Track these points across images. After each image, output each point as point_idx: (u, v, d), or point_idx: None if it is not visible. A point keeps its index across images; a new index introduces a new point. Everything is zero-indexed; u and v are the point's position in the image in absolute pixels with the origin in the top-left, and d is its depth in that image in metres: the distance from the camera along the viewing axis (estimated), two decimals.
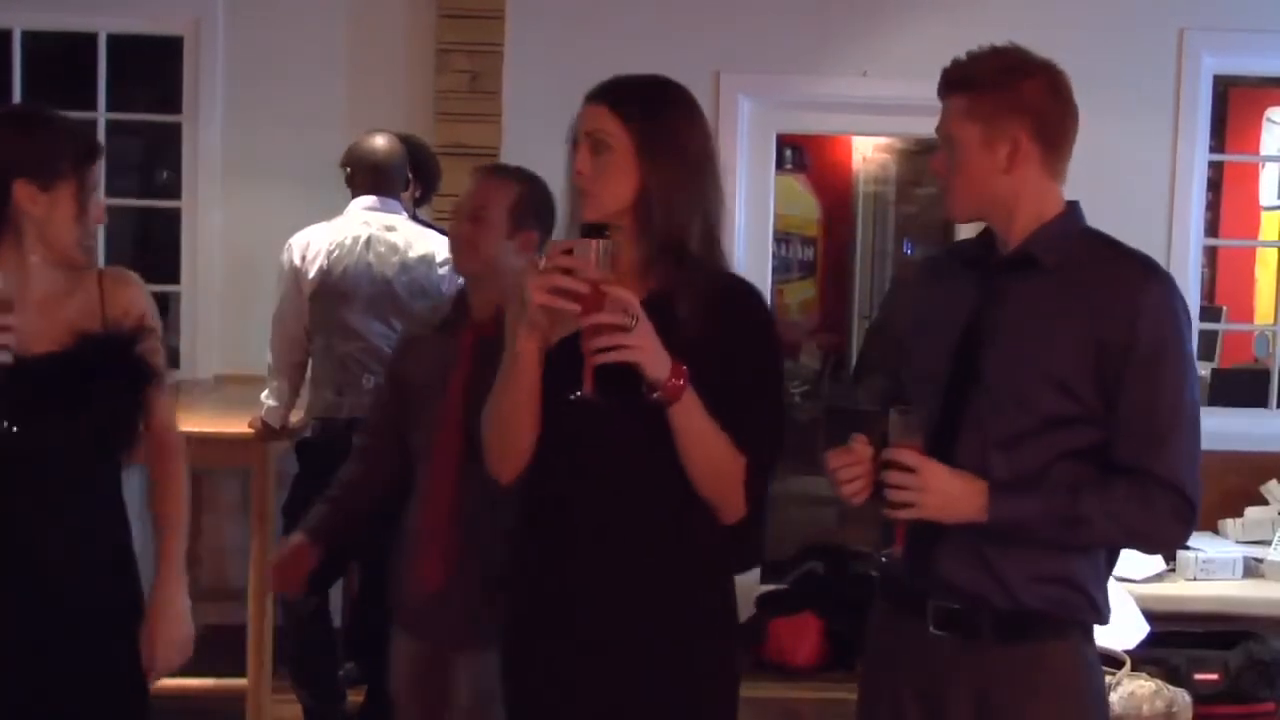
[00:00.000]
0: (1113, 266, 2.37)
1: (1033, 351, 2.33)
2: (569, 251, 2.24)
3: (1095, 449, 2.33)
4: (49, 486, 2.59)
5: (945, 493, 2.30)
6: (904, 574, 2.42)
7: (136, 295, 2.72)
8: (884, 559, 2.35)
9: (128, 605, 2.71)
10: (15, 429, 2.48)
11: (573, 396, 2.27)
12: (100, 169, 2.65)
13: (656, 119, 2.41)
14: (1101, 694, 2.48)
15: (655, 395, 2.27)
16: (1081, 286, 2.34)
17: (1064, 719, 2.38)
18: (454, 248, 3.26)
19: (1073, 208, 2.43)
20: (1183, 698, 4.04)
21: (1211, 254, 6.19)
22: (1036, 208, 2.39)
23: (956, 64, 2.41)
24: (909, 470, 2.28)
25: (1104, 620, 2.43)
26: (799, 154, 7.70)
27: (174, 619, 2.71)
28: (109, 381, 2.62)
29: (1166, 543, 2.42)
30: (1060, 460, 2.33)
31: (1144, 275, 2.35)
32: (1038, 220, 2.39)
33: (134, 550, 2.76)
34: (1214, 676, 4.52)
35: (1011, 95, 2.34)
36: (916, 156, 7.94)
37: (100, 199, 2.66)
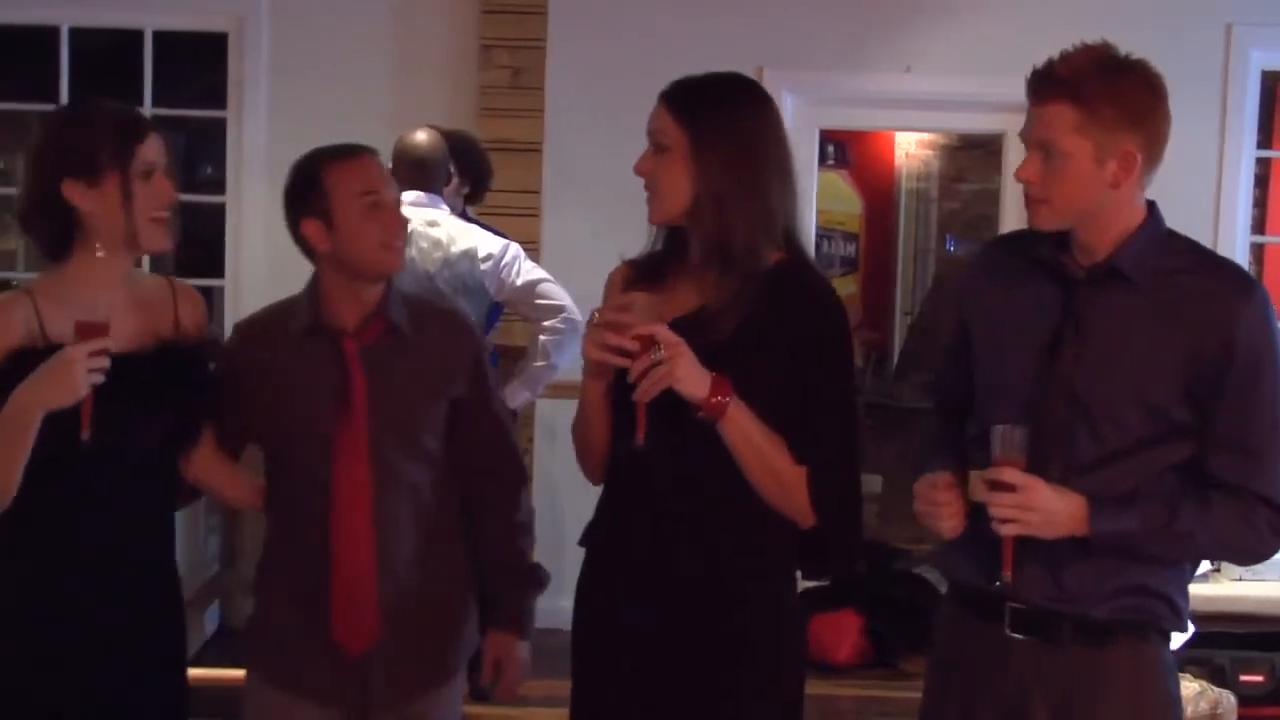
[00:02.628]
0: (1204, 279, 2.32)
1: (1124, 371, 2.30)
2: (621, 306, 2.35)
3: (1188, 462, 2.32)
4: (108, 490, 2.58)
5: (1049, 510, 2.27)
6: (979, 579, 2.39)
7: (201, 310, 2.76)
8: (996, 585, 2.32)
9: (174, 607, 2.75)
10: (91, 439, 2.47)
11: (629, 448, 2.35)
12: (155, 150, 2.59)
13: (710, 118, 2.39)
14: (1178, 700, 2.45)
15: (700, 415, 2.32)
16: (1172, 301, 2.30)
17: None
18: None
19: (1154, 212, 2.37)
20: (1228, 699, 4.09)
21: (1258, 251, 6.14)
22: (1128, 218, 2.34)
23: (1053, 66, 2.31)
24: (1012, 489, 2.26)
25: (1184, 627, 2.41)
26: (842, 150, 7.69)
27: None
28: (180, 388, 2.64)
29: (1262, 556, 2.41)
30: (1155, 475, 2.31)
31: (1238, 288, 2.32)
32: (1126, 230, 2.34)
33: (175, 553, 2.80)
34: (1260, 678, 4.52)
35: (1126, 110, 2.27)
36: (958, 152, 7.91)
37: (163, 177, 2.60)
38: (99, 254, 2.57)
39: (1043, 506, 2.27)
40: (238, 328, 2.83)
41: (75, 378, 2.40)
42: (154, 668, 2.67)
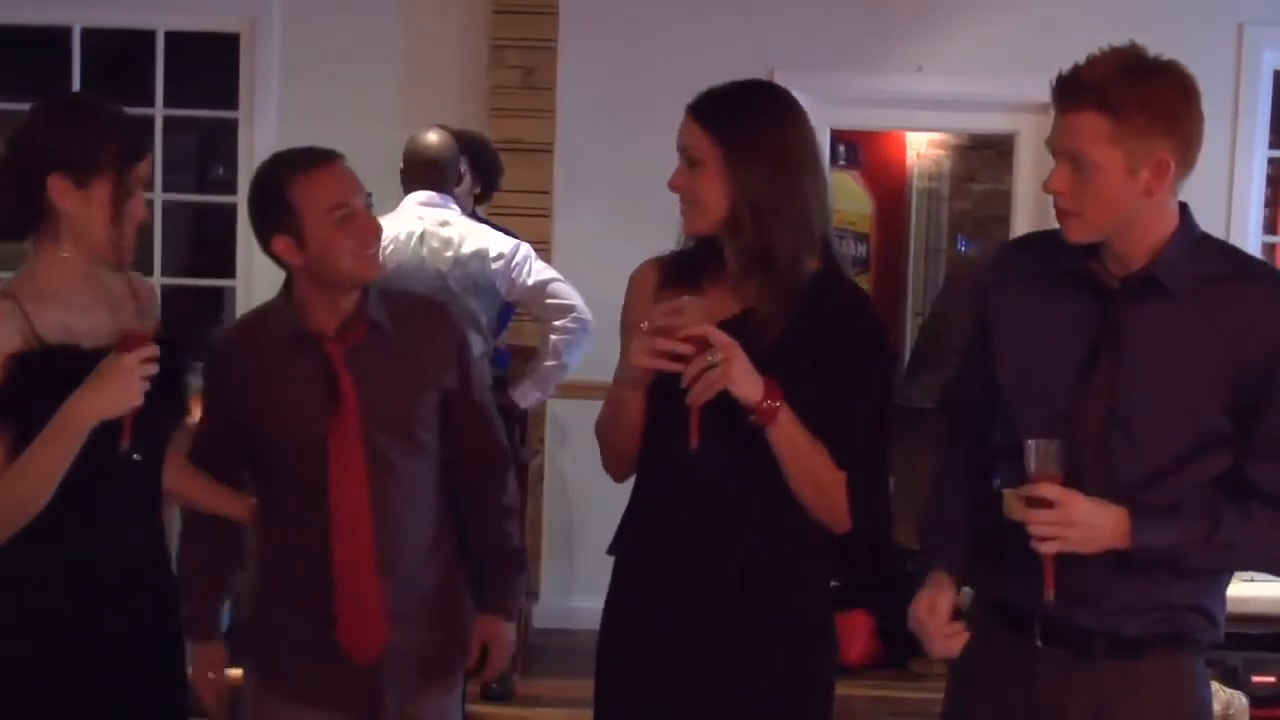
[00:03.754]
0: (1242, 285, 2.27)
1: (1166, 384, 2.25)
2: (674, 310, 2.32)
3: (1228, 472, 2.27)
4: (124, 496, 2.56)
5: (1089, 524, 2.21)
6: (1018, 598, 2.35)
7: (156, 305, 2.71)
8: (1044, 603, 2.26)
9: (171, 611, 2.72)
10: (139, 457, 2.47)
11: (681, 452, 2.32)
12: (148, 169, 2.57)
13: (739, 129, 2.38)
14: (1209, 706, 2.41)
15: (751, 418, 2.31)
16: (1212, 311, 2.24)
17: None
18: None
19: (1186, 216, 2.30)
20: (1239, 700, 4.06)
21: (1270, 251, 6.14)
22: (1162, 225, 2.27)
23: (1081, 73, 2.22)
24: (1051, 505, 2.20)
25: (1220, 637, 2.37)
26: (853, 150, 7.67)
27: None
28: (161, 385, 2.55)
29: None
30: (1196, 488, 2.26)
31: (1276, 292, 2.27)
32: (1160, 238, 2.26)
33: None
34: (1271, 679, 4.49)
35: (1158, 115, 2.18)
36: (970, 153, 7.90)
37: (141, 197, 2.57)
38: (63, 254, 2.50)
39: (1083, 521, 2.21)
40: (216, 345, 2.79)
41: (133, 386, 2.39)
42: (154, 672, 2.65)
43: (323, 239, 2.58)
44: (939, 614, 2.39)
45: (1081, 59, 2.23)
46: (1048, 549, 2.21)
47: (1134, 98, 2.17)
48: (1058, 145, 2.25)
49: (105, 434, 2.41)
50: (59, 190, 2.46)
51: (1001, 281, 2.46)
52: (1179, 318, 2.25)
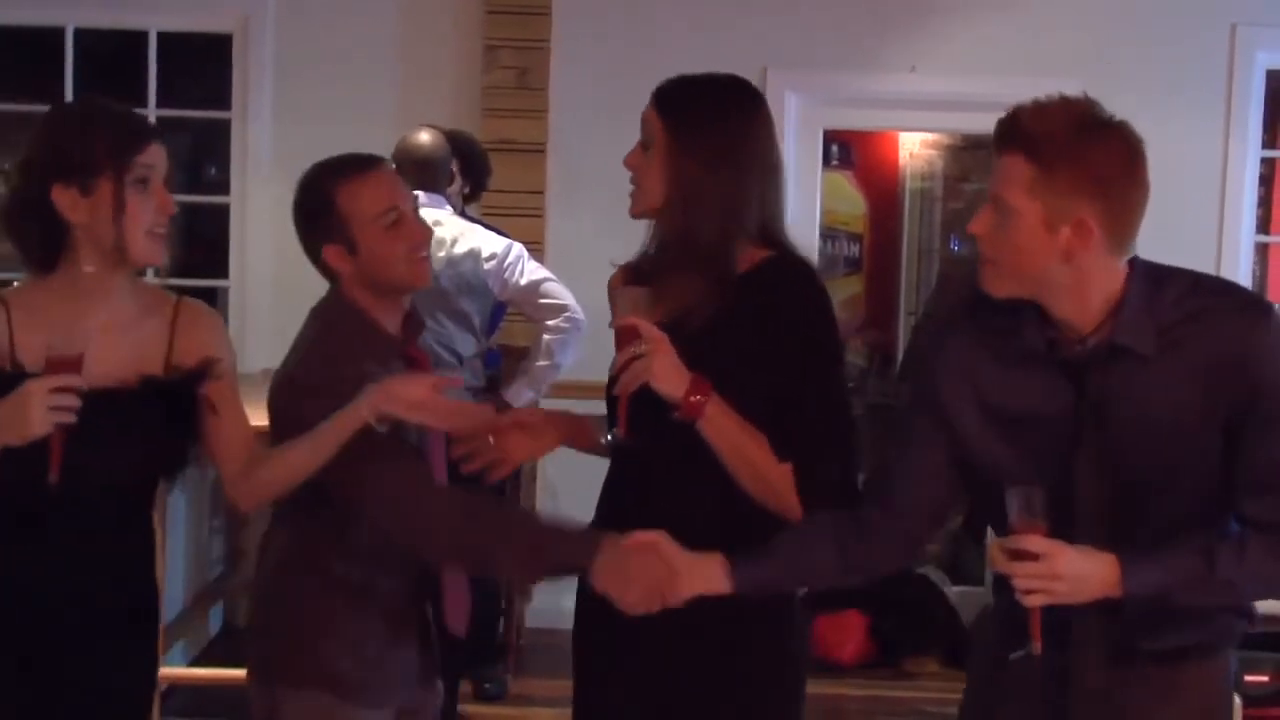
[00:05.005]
0: (1213, 321, 2.16)
1: (1161, 448, 2.17)
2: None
3: (1218, 508, 2.23)
4: (77, 527, 2.43)
5: (1076, 575, 2.14)
6: (1004, 650, 2.27)
7: (208, 338, 2.56)
8: (1019, 655, 2.20)
9: (144, 647, 2.62)
10: (60, 483, 2.28)
11: (605, 439, 2.39)
12: (154, 158, 2.43)
13: (690, 117, 2.41)
14: (1231, 704, 2.39)
15: (677, 414, 2.32)
16: (1189, 360, 2.15)
17: None
18: None
19: (1135, 270, 2.19)
20: (1234, 699, 4.02)
21: (1263, 250, 6.16)
22: (1106, 287, 2.16)
23: (1020, 115, 2.13)
24: (1035, 557, 2.13)
25: (1252, 623, 2.31)
26: (846, 151, 7.68)
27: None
28: (160, 422, 2.48)
29: None
30: (1190, 528, 2.20)
31: (1249, 318, 2.17)
32: (1109, 300, 2.17)
33: (156, 589, 2.64)
34: (1265, 678, 4.50)
35: (1082, 171, 2.08)
36: (963, 153, 7.91)
37: (159, 187, 2.43)
38: (87, 269, 2.41)
39: (1069, 574, 2.13)
40: (325, 383, 2.51)
41: (31, 415, 2.24)
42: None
43: (374, 245, 2.54)
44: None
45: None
46: (1033, 602, 2.15)
47: (1065, 153, 2.08)
48: (989, 187, 2.18)
49: (36, 465, 2.26)
50: (65, 203, 2.37)
51: (955, 359, 2.31)
52: (1156, 375, 2.16)
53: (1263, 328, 2.15)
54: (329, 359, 2.55)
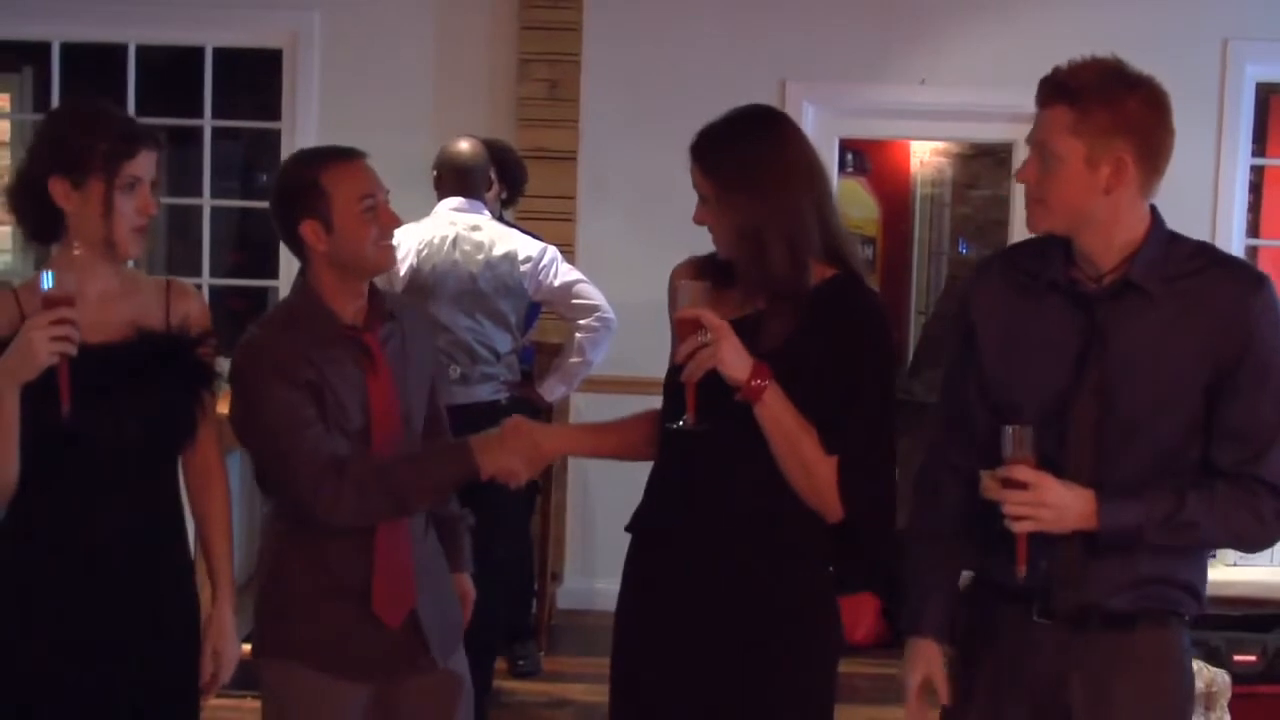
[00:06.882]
0: (1216, 280, 2.32)
1: (1153, 384, 2.31)
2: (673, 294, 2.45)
3: (1199, 457, 2.34)
4: (101, 479, 2.55)
5: (1060, 505, 2.28)
6: (1007, 576, 2.38)
7: (199, 308, 2.72)
8: (1017, 578, 2.33)
9: (185, 610, 2.72)
10: (72, 417, 2.42)
11: (675, 426, 2.44)
12: (146, 166, 2.58)
13: (727, 161, 2.46)
14: (1191, 678, 2.48)
15: (739, 396, 2.39)
16: (1188, 307, 2.30)
17: (1156, 701, 2.40)
18: None
19: (1156, 218, 2.36)
20: (1222, 677, 4.09)
21: (1253, 254, 6.17)
22: (1131, 229, 2.33)
23: (1059, 73, 2.32)
24: (1024, 486, 2.28)
25: (1202, 608, 2.43)
26: (860, 158, 7.74)
27: (228, 636, 2.73)
28: (166, 378, 2.60)
29: (1267, 544, 2.42)
30: (1168, 471, 2.33)
31: (1247, 284, 2.32)
32: (1132, 242, 2.33)
33: (190, 554, 2.76)
34: (1252, 658, 4.51)
35: (1119, 113, 2.26)
36: (970, 160, 7.97)
37: (145, 191, 2.59)
38: (76, 252, 2.56)
39: (1054, 503, 2.27)
40: (263, 346, 2.68)
41: (36, 348, 2.36)
42: (164, 687, 2.65)
43: (350, 225, 2.63)
44: (920, 691, 2.47)
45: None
46: (1021, 528, 2.28)
47: (1100, 97, 2.26)
48: (1032, 137, 2.35)
49: (48, 402, 2.40)
50: (59, 192, 2.54)
51: (987, 289, 2.50)
52: (1158, 317, 2.31)
53: (1261, 296, 2.31)
54: (267, 324, 2.73)
